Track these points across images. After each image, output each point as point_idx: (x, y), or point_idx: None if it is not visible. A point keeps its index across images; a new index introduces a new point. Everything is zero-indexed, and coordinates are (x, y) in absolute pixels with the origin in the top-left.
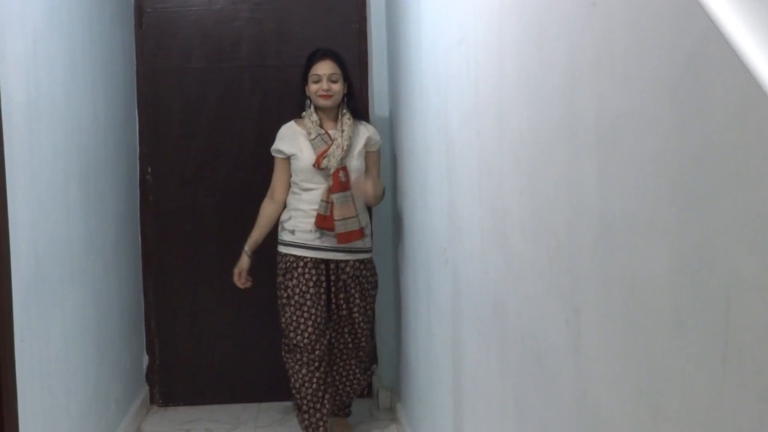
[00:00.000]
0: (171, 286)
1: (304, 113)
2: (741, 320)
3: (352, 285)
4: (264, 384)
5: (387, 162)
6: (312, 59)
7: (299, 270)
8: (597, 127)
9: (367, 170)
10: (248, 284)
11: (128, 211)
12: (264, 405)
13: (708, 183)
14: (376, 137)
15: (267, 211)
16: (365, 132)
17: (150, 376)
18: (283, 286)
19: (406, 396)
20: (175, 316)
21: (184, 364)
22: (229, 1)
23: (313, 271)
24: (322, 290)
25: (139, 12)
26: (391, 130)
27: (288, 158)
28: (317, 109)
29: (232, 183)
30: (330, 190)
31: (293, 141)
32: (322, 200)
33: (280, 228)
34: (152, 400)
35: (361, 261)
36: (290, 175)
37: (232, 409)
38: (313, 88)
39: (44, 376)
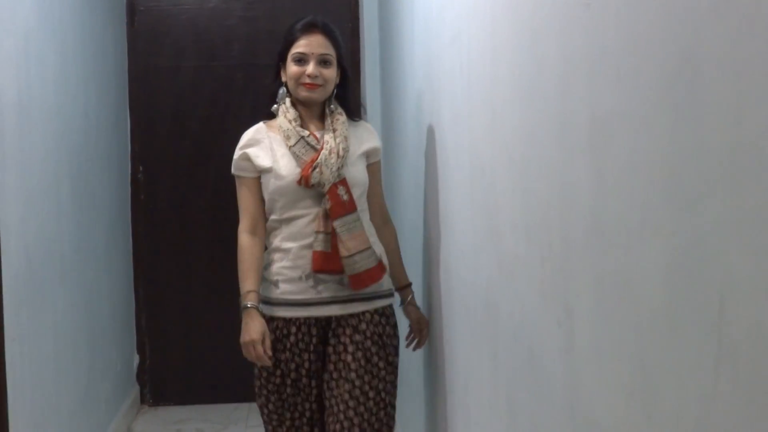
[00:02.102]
0: (162, 285)
1: (275, 107)
2: (734, 320)
3: (373, 350)
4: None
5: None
6: (294, 32)
7: (292, 339)
8: (590, 126)
9: (369, 190)
10: (270, 353)
11: (119, 210)
12: (254, 405)
13: (701, 182)
14: (378, 142)
15: (254, 249)
16: (366, 133)
17: (140, 376)
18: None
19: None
20: (165, 315)
21: (175, 363)
22: (221, 0)
23: (313, 339)
24: (320, 365)
25: (131, 10)
26: (383, 129)
27: (258, 177)
28: (296, 103)
29: (224, 182)
30: (328, 216)
31: (264, 150)
32: (317, 232)
33: None
34: (143, 400)
35: (381, 311)
36: (263, 201)
37: (223, 408)
38: (293, 70)
39: (35, 375)
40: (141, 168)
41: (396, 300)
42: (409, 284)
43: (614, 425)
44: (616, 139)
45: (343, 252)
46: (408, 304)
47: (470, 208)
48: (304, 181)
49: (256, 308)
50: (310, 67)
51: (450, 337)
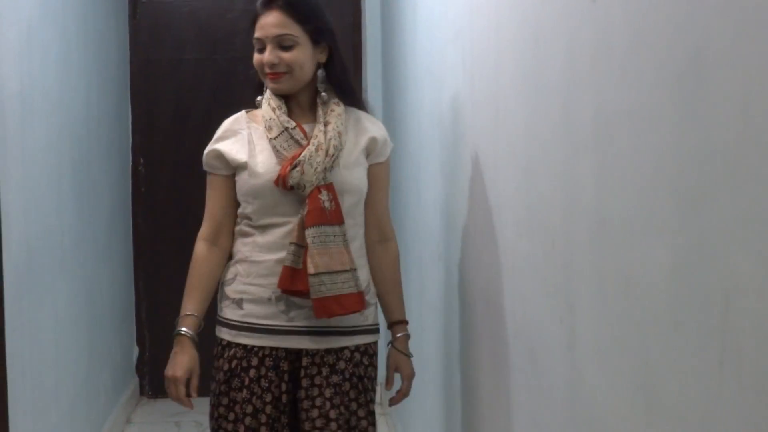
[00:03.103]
0: (162, 277)
1: (259, 98)
2: (739, 320)
3: (352, 395)
4: None
5: None
6: (255, 12)
7: (252, 373)
8: (595, 124)
9: (368, 198)
10: (194, 395)
11: (120, 202)
12: None
13: (707, 181)
14: (385, 137)
15: (208, 263)
16: (368, 127)
17: (140, 367)
18: (220, 395)
19: (395, 390)
20: (165, 307)
21: None
22: None
23: (284, 376)
24: (286, 406)
25: (134, 2)
26: (384, 124)
27: (231, 175)
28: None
29: None
30: (302, 224)
31: (241, 143)
32: (291, 243)
33: (219, 294)
34: (142, 392)
35: (364, 349)
36: (236, 203)
37: None
38: (254, 60)
39: (34, 366)
40: (142, 160)
41: (383, 338)
42: (404, 322)
43: (616, 424)
44: (621, 137)
45: (310, 268)
46: (394, 348)
47: (472, 205)
48: (281, 182)
49: (190, 338)
50: (266, 54)
51: (450, 333)
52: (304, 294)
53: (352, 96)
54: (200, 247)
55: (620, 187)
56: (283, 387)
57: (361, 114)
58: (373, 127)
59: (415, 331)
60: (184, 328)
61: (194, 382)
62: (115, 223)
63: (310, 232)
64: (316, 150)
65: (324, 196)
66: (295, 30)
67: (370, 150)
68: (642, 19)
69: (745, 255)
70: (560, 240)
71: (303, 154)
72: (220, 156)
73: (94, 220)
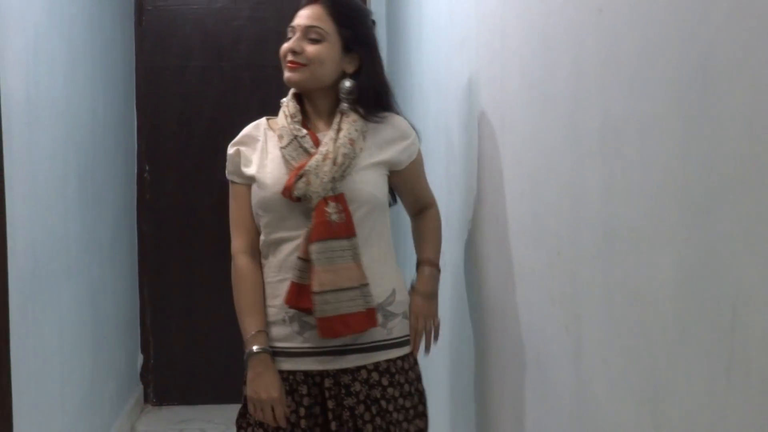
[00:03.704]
0: (167, 284)
1: (283, 99)
2: (746, 330)
3: (363, 412)
4: None
5: None
6: (299, 6)
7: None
8: (601, 133)
9: (405, 197)
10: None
11: (125, 209)
12: None
13: (714, 191)
14: (407, 144)
15: (256, 276)
16: (391, 134)
17: (144, 375)
18: (239, 417)
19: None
20: (170, 315)
21: (179, 363)
22: (229, 0)
23: (303, 400)
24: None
25: (140, 10)
26: None
27: (249, 185)
28: (303, 96)
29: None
30: (308, 239)
31: (256, 153)
32: (298, 258)
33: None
34: (146, 399)
35: (385, 368)
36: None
37: (226, 409)
38: (282, 48)
39: (39, 373)
40: (147, 167)
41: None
42: (430, 262)
43: None
44: (628, 146)
45: (314, 286)
46: (412, 290)
47: (478, 212)
48: (287, 193)
49: (270, 354)
50: (291, 41)
51: (456, 341)
52: (311, 311)
53: (380, 113)
54: (243, 261)
55: (627, 197)
56: (302, 412)
57: (391, 117)
58: (397, 136)
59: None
60: (257, 346)
61: (283, 400)
62: (121, 229)
63: (314, 248)
64: (324, 159)
65: (331, 208)
66: (328, 27)
67: (393, 164)
68: (649, 29)
69: (752, 264)
70: (566, 249)
71: (309, 164)
72: (236, 163)
73: (100, 226)
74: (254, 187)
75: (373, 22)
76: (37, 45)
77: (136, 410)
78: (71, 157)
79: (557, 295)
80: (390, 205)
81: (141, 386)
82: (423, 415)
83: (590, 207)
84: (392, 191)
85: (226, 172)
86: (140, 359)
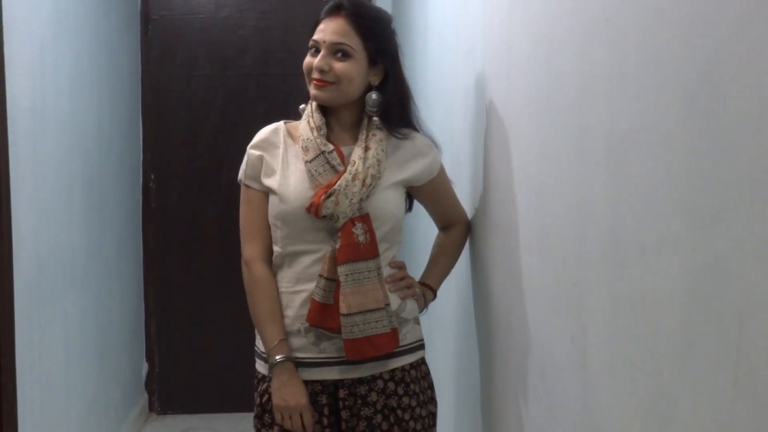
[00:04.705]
0: (172, 293)
1: (302, 106)
2: (753, 340)
3: (381, 422)
4: None
5: None
6: (319, 16)
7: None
8: (608, 143)
9: (429, 211)
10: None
11: (130, 218)
12: None
13: (720, 201)
14: (429, 161)
15: (273, 284)
16: (413, 151)
17: (149, 384)
18: (260, 426)
19: None
20: (175, 323)
21: (184, 372)
22: (235, 9)
23: (324, 410)
24: None
25: (145, 19)
26: None
27: (266, 193)
28: (324, 107)
29: (235, 192)
30: (335, 259)
31: (276, 160)
32: (320, 276)
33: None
34: (151, 408)
35: (400, 377)
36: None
37: (231, 418)
38: (304, 63)
39: (44, 381)
40: (152, 176)
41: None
42: (429, 287)
43: None
44: (635, 156)
45: (343, 308)
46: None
47: (483, 222)
48: (314, 210)
49: (293, 362)
50: (318, 58)
51: (460, 349)
52: (335, 330)
53: (401, 126)
54: (260, 269)
55: (633, 206)
56: (324, 422)
57: (412, 134)
58: (418, 154)
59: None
60: (281, 356)
61: (307, 411)
62: (126, 239)
63: (343, 270)
64: (353, 179)
65: (359, 229)
66: (354, 42)
67: (410, 182)
68: (655, 39)
69: (759, 274)
70: (572, 259)
71: (339, 183)
72: (258, 169)
73: (105, 235)
74: (273, 198)
75: (393, 26)
76: (43, 55)
77: (140, 419)
78: (77, 166)
79: (563, 304)
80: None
81: (146, 395)
82: (434, 426)
83: (597, 216)
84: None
85: (242, 174)
86: (145, 368)
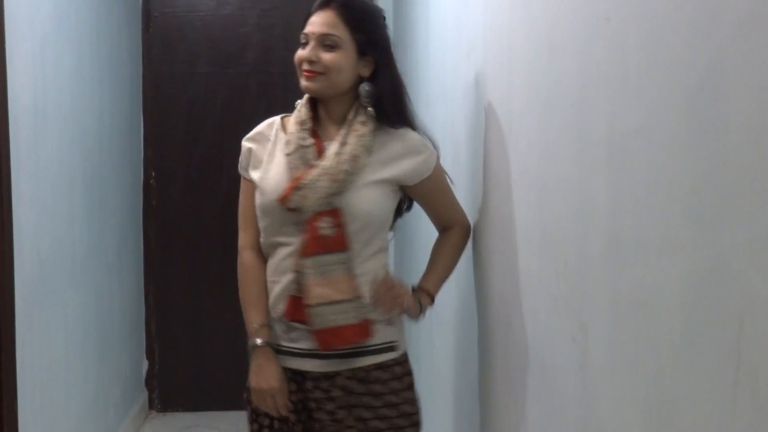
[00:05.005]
0: (172, 291)
1: (298, 102)
2: (754, 341)
3: (342, 419)
4: None
5: None
6: (310, 11)
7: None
8: (608, 142)
9: (427, 212)
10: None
11: (131, 215)
12: None
13: (721, 201)
14: (419, 160)
15: (261, 271)
16: (398, 147)
17: (149, 381)
18: (251, 421)
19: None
20: (175, 321)
21: (184, 369)
22: (236, 7)
23: (291, 396)
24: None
25: (147, 16)
26: None
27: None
28: (314, 99)
29: (236, 189)
30: (301, 252)
31: (264, 154)
32: (293, 270)
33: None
34: (151, 406)
35: (363, 376)
36: None
37: (231, 416)
38: (296, 56)
39: (44, 379)
40: (153, 173)
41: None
42: (426, 291)
43: None
44: (636, 156)
45: (308, 299)
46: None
47: (484, 221)
48: (283, 202)
49: (272, 347)
50: (307, 50)
51: (461, 349)
52: (306, 323)
53: (396, 118)
54: (249, 257)
55: (634, 206)
56: (290, 407)
57: (404, 131)
58: (408, 151)
59: (425, 347)
60: (261, 339)
61: (285, 390)
62: (126, 236)
63: (307, 262)
64: (322, 174)
65: (324, 223)
66: (342, 33)
67: (400, 180)
68: (656, 38)
69: (760, 275)
70: (573, 259)
71: (306, 177)
72: (248, 160)
73: (105, 232)
74: (257, 190)
75: (384, 19)
76: (44, 52)
77: (140, 416)
78: (78, 164)
79: (563, 305)
80: (399, 216)
81: (146, 392)
82: (416, 425)
83: (597, 216)
84: (410, 201)
85: (239, 165)
86: (145, 365)
